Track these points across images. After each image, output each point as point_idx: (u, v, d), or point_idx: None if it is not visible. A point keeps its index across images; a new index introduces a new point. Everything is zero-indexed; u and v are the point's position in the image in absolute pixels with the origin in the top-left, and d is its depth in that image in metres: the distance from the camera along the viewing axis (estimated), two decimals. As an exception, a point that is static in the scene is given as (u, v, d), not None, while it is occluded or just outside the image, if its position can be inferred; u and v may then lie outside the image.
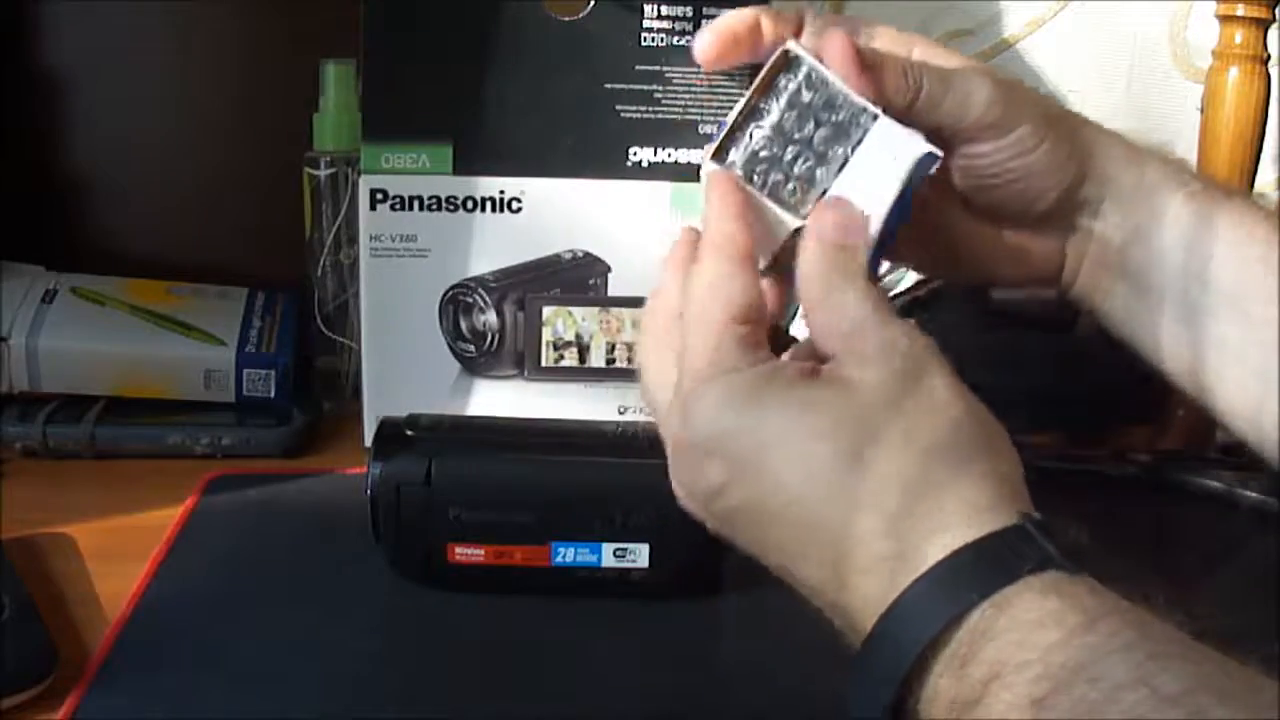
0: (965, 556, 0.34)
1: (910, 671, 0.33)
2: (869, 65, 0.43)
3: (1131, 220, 0.47)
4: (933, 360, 0.38)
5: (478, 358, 0.69)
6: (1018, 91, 0.45)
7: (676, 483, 0.40)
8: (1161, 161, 0.48)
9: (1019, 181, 0.46)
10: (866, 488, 0.35)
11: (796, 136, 0.42)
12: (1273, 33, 0.70)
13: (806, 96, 0.42)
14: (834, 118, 0.42)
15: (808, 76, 0.42)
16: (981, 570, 0.33)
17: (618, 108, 0.67)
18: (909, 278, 0.72)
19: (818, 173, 0.42)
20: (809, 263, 0.40)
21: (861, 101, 0.42)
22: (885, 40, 0.46)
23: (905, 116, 0.43)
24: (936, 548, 0.34)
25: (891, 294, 0.69)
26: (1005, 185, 0.46)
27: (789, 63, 0.42)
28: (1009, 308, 0.72)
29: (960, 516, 0.34)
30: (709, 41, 0.45)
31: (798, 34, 0.45)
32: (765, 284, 0.42)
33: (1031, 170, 0.45)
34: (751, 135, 0.42)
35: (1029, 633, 0.32)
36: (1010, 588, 0.33)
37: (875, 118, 0.42)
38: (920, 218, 0.45)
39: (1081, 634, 0.31)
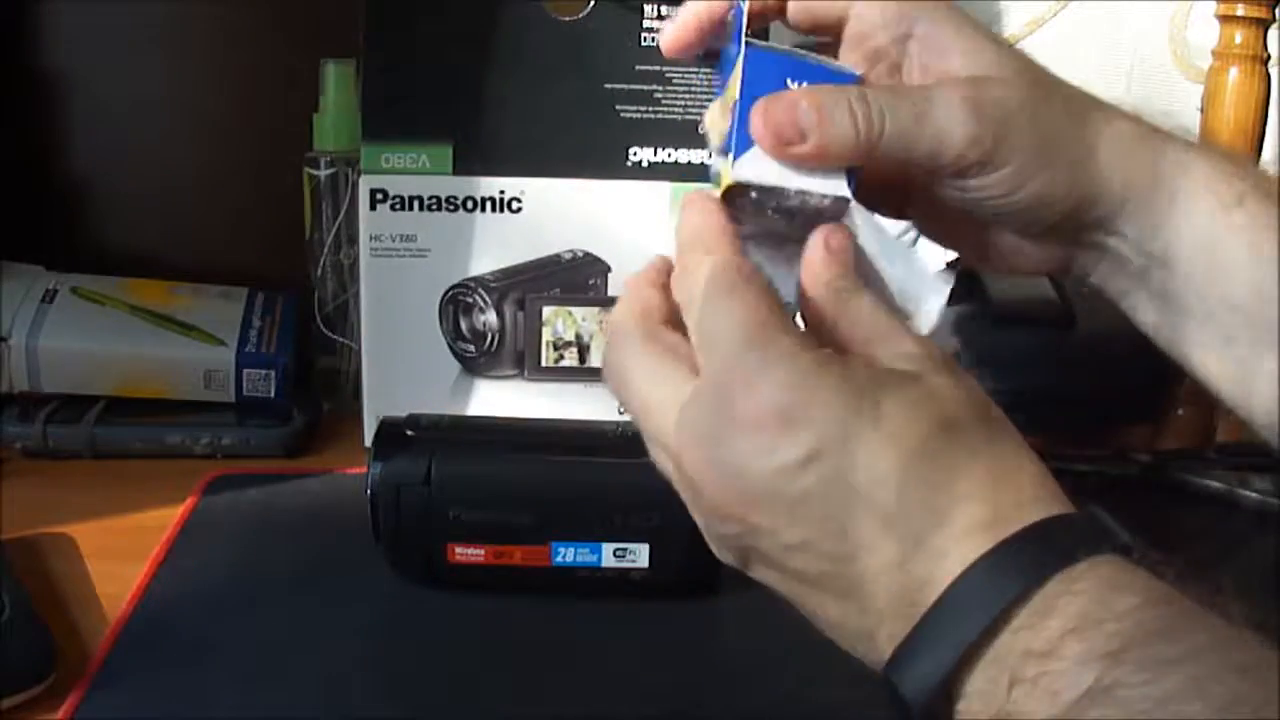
0: (1055, 526, 0.34)
1: (994, 621, 0.33)
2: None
3: (1152, 243, 0.43)
4: (954, 379, 0.37)
5: (478, 358, 0.69)
6: (1010, 120, 0.40)
7: (725, 472, 0.36)
8: (1205, 169, 0.42)
9: (1007, 212, 0.42)
10: (956, 463, 0.35)
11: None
12: (1273, 33, 0.70)
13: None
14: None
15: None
16: (1072, 536, 0.34)
17: (618, 108, 0.67)
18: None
19: None
20: (814, 278, 0.38)
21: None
22: (873, 15, 0.42)
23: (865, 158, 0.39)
24: (1028, 515, 0.34)
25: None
26: (994, 211, 0.42)
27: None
28: (1009, 308, 0.73)
29: (1042, 492, 0.35)
30: (669, 33, 0.44)
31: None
32: None
33: (1021, 205, 0.41)
34: None
35: (1111, 593, 0.32)
36: (1097, 556, 0.33)
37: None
38: (919, 198, 0.44)
39: (1159, 604, 0.32)
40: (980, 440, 0.35)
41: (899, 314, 0.40)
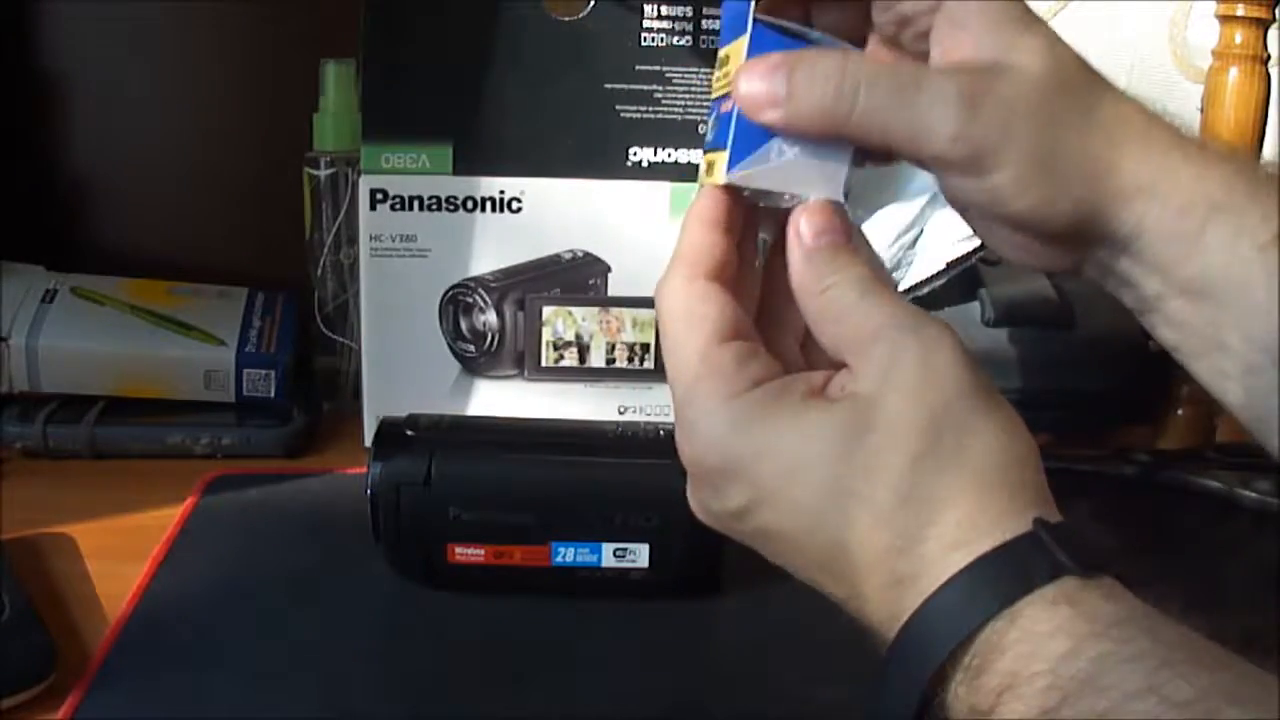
0: (977, 571, 0.33)
1: (930, 684, 0.33)
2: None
3: (1172, 275, 0.39)
4: (942, 361, 0.36)
5: (478, 358, 0.69)
6: (1014, 124, 0.37)
7: (694, 500, 0.39)
8: (1240, 203, 0.38)
9: (998, 216, 0.39)
10: (880, 509, 0.35)
11: None
12: (1273, 33, 0.70)
13: None
14: None
15: None
16: (992, 584, 0.33)
17: (618, 108, 0.67)
18: (909, 277, 0.72)
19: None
20: (797, 268, 0.38)
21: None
22: None
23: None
24: (952, 563, 0.34)
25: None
26: (985, 212, 0.39)
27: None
28: (1009, 308, 0.73)
29: (974, 530, 0.34)
30: None
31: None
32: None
33: (1014, 214, 0.38)
34: None
35: (1039, 644, 0.32)
36: (1022, 600, 0.33)
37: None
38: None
39: (1093, 643, 0.31)
40: (903, 484, 0.35)
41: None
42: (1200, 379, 0.42)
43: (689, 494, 0.39)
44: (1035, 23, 0.39)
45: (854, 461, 0.35)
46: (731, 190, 0.39)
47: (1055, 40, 0.39)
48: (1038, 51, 0.38)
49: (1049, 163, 0.37)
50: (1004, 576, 0.33)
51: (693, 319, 0.38)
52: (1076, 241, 0.39)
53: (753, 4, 0.39)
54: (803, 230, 0.38)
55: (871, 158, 0.39)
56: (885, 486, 0.35)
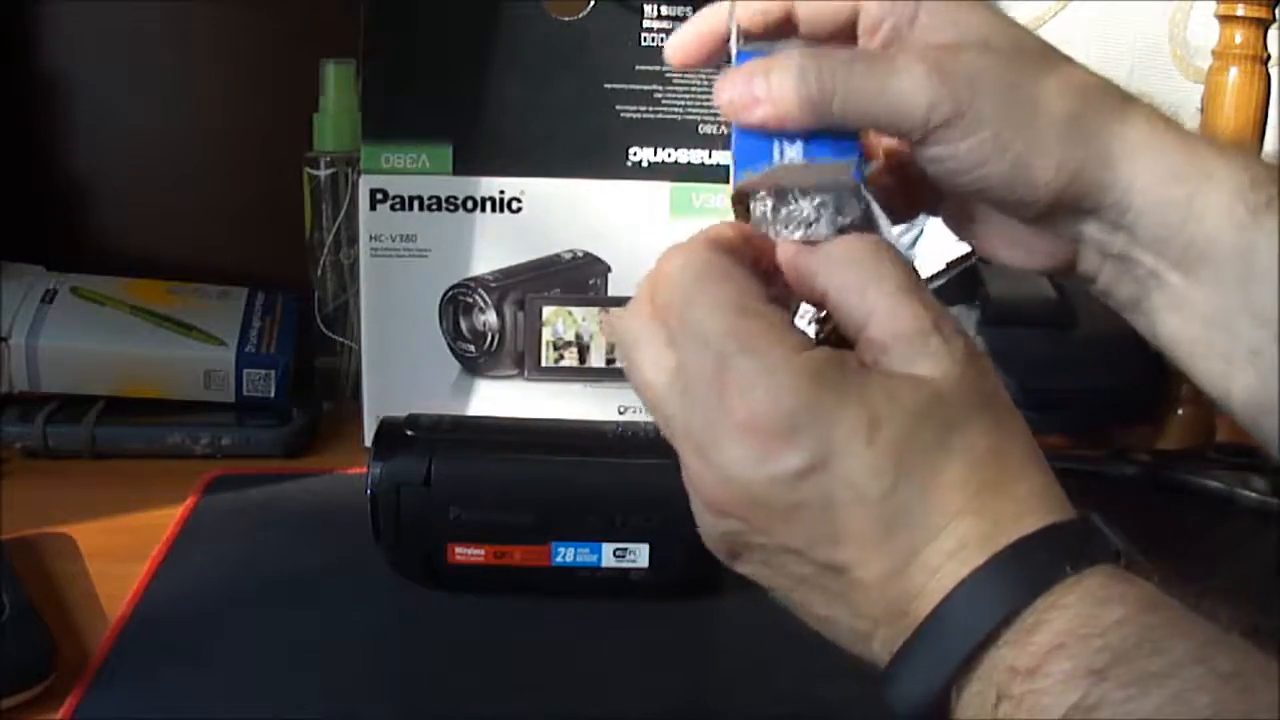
0: (1047, 538, 0.34)
1: (984, 639, 0.33)
2: None
3: (1167, 246, 0.40)
4: (981, 359, 0.37)
5: (478, 358, 0.69)
6: (981, 84, 0.38)
7: (723, 475, 0.35)
8: (1232, 170, 0.39)
9: (988, 190, 0.40)
10: (953, 475, 0.34)
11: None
12: (1273, 33, 0.70)
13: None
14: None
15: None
16: (1063, 549, 0.34)
17: (618, 108, 0.67)
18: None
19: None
20: (842, 255, 0.37)
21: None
22: (877, 5, 0.41)
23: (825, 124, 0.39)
24: (1021, 527, 0.34)
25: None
26: (975, 185, 0.40)
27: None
28: (1009, 308, 0.73)
29: (1039, 503, 0.35)
30: (673, 45, 0.44)
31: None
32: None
33: (1001, 178, 0.39)
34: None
35: (1097, 608, 0.32)
36: (1090, 568, 0.33)
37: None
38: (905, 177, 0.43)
39: (1144, 615, 0.32)
40: (982, 448, 0.35)
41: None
42: (1201, 380, 0.42)
43: (715, 479, 0.36)
44: (1004, 19, 0.41)
45: (926, 429, 0.34)
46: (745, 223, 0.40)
47: (1021, 30, 0.41)
48: (1004, 34, 0.40)
49: (1026, 120, 0.38)
50: (1070, 547, 0.34)
51: (726, 275, 0.36)
52: (1066, 216, 0.40)
53: (735, 31, 0.40)
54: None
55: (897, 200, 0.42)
56: (959, 456, 0.35)
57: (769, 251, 0.39)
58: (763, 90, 0.38)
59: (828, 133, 0.39)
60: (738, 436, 0.35)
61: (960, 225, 0.45)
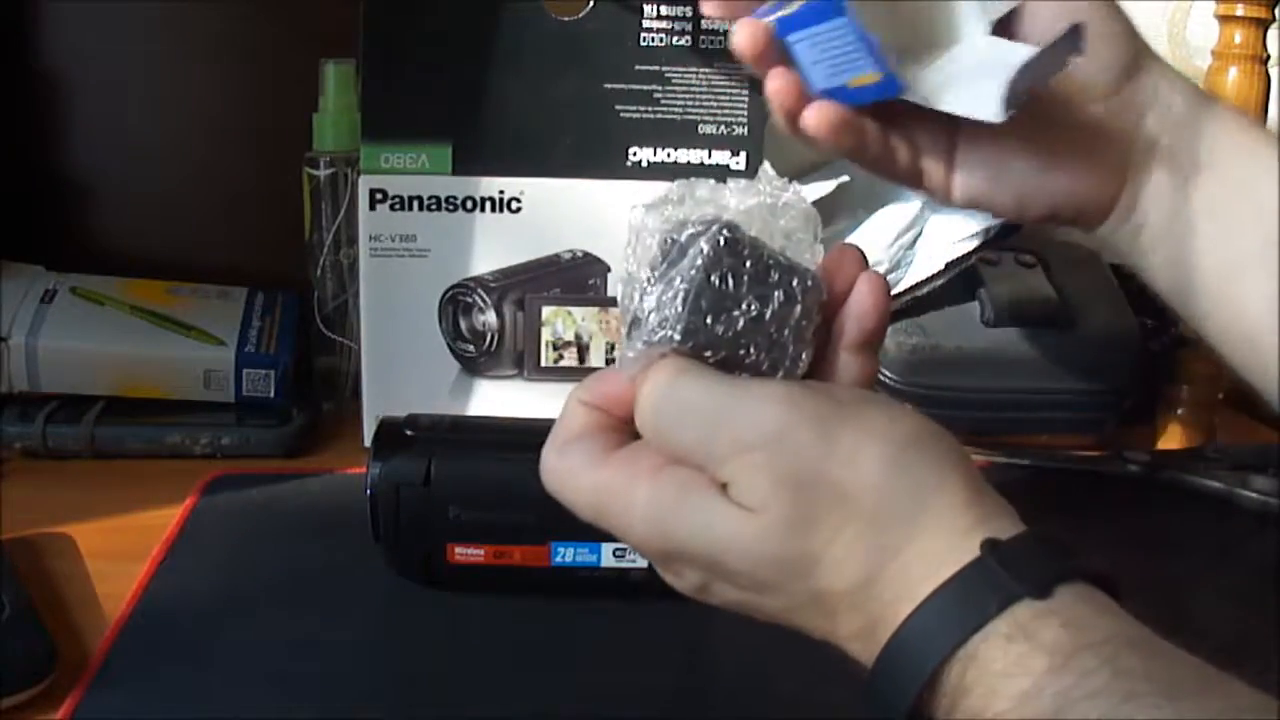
0: (928, 613, 0.33)
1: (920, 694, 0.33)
2: None
3: (1196, 139, 0.46)
4: (834, 418, 0.36)
5: (478, 358, 0.69)
6: None
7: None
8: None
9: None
10: (825, 579, 0.35)
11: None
12: (1273, 33, 0.70)
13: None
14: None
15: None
16: (946, 624, 0.33)
17: (618, 108, 0.67)
18: (909, 277, 0.72)
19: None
20: (644, 412, 0.38)
21: None
22: None
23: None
24: (903, 609, 0.34)
25: (892, 293, 0.69)
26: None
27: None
28: (1009, 308, 0.73)
29: (923, 568, 0.34)
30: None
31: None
32: None
33: (1088, 16, 0.44)
34: None
35: (998, 683, 0.32)
36: (975, 638, 0.32)
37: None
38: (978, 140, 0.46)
39: (1053, 679, 0.31)
40: (845, 492, 0.35)
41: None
42: (1213, 309, 0.47)
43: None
44: None
45: (768, 554, 0.36)
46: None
47: None
48: None
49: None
50: (954, 615, 0.33)
51: (563, 475, 0.40)
52: (1135, 78, 0.46)
53: None
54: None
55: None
56: (824, 558, 0.35)
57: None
58: None
59: None
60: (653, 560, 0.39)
61: (1004, 161, 0.47)
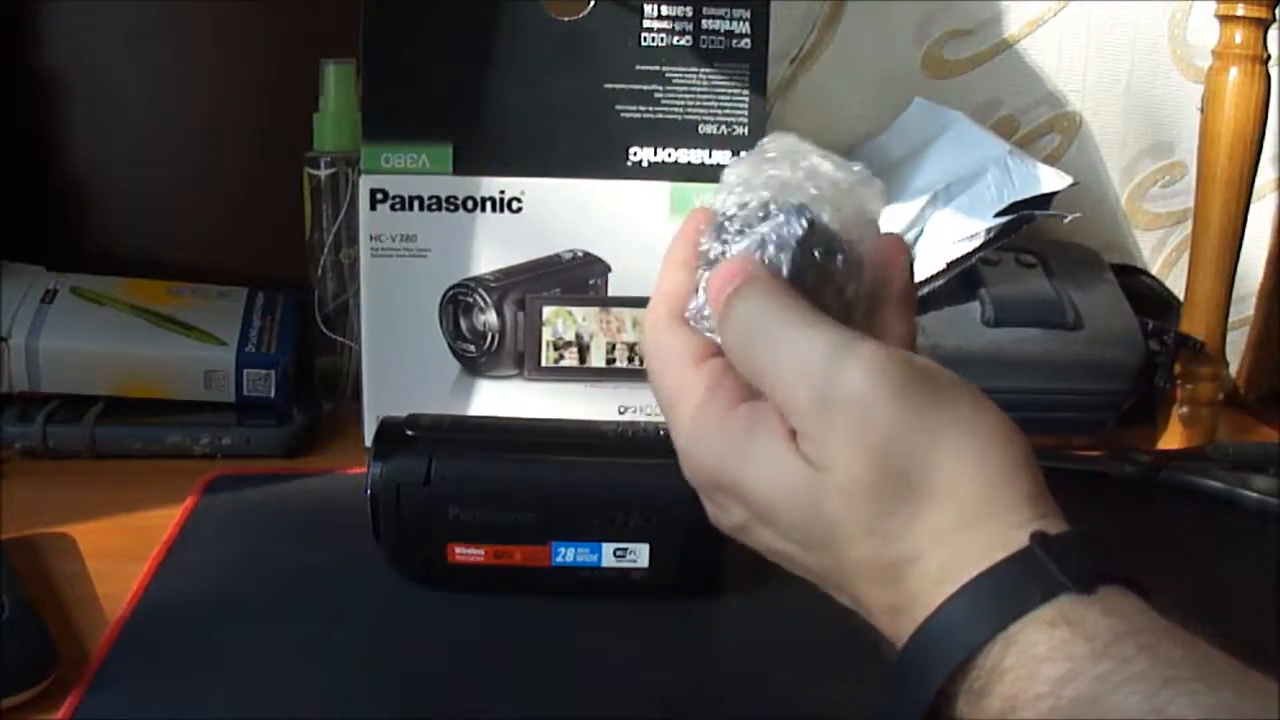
0: (972, 595, 0.33)
1: (934, 704, 0.33)
2: None
3: None
4: (922, 397, 0.36)
5: (478, 358, 0.69)
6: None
7: (709, 512, 0.41)
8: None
9: None
10: (874, 550, 0.35)
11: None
12: (1273, 33, 0.70)
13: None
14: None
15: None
16: (988, 607, 0.33)
17: (618, 108, 0.67)
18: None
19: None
20: (736, 327, 0.38)
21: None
22: None
23: None
24: (945, 589, 0.34)
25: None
26: None
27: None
28: (1009, 308, 0.73)
29: (975, 555, 0.34)
30: None
31: None
32: None
33: None
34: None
35: (1037, 667, 0.32)
36: (1017, 623, 0.33)
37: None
38: None
39: (1092, 664, 0.31)
40: (890, 523, 0.35)
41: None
42: None
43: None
44: None
45: (823, 513, 0.36)
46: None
47: None
48: None
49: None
50: (998, 599, 0.33)
51: (661, 349, 0.41)
52: None
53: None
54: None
55: None
56: (859, 530, 0.35)
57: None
58: None
59: None
60: (699, 491, 0.41)
61: None
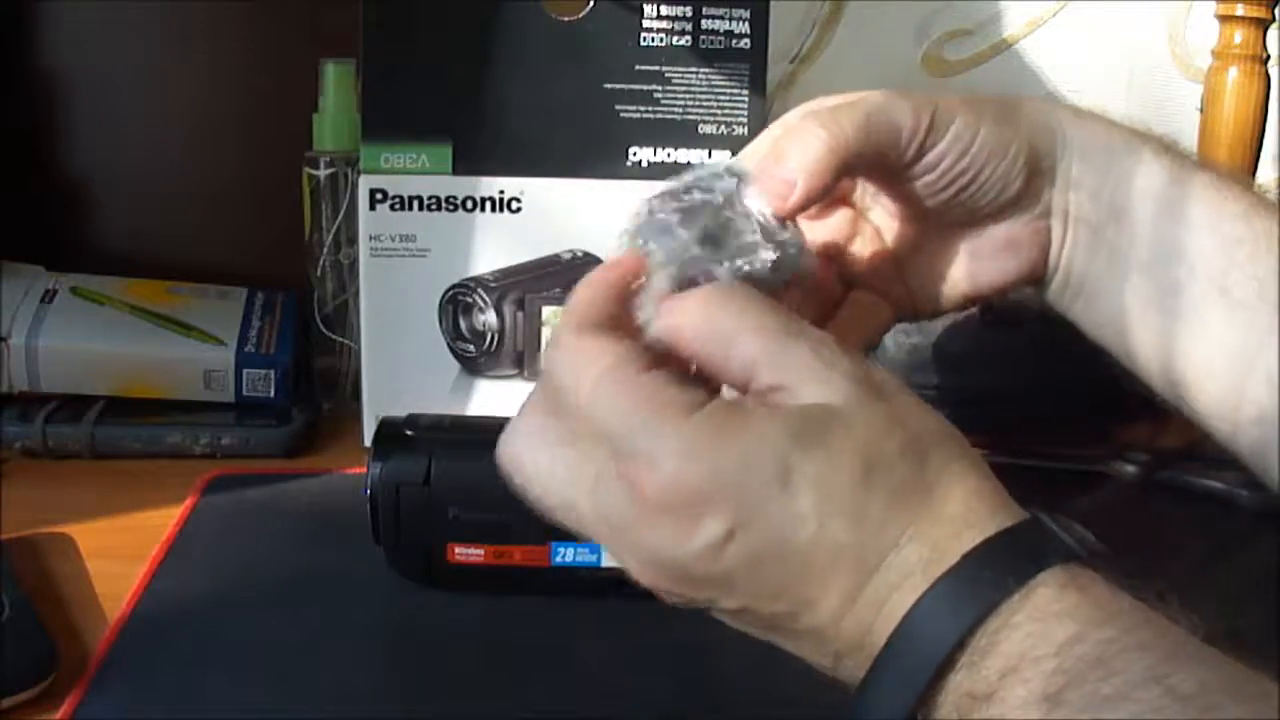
0: (987, 555, 0.33)
1: (939, 667, 0.33)
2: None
3: (1105, 189, 0.47)
4: (876, 370, 0.36)
5: (478, 358, 0.69)
6: (931, 96, 0.45)
7: (647, 559, 0.35)
8: (1111, 121, 0.48)
9: (978, 176, 0.46)
10: (878, 506, 0.34)
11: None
12: (1272, 33, 0.70)
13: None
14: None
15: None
16: (1006, 563, 0.33)
17: (618, 108, 0.67)
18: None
19: None
20: (696, 317, 0.37)
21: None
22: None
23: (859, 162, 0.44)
24: (961, 545, 0.33)
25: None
26: (969, 185, 0.46)
27: None
28: (1007, 307, 0.73)
29: (974, 515, 0.34)
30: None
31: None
32: None
33: (982, 160, 0.45)
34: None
35: (1048, 625, 0.32)
36: (1036, 578, 0.33)
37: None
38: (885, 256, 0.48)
39: (1098, 629, 0.31)
40: (902, 472, 0.34)
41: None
42: (1124, 343, 0.50)
43: (633, 556, 0.36)
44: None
45: (846, 460, 0.34)
46: None
47: None
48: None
49: (978, 106, 0.46)
50: (1014, 558, 0.33)
51: (600, 353, 0.36)
52: (1035, 184, 0.47)
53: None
54: None
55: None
56: (882, 481, 0.34)
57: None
58: (791, 172, 0.42)
59: None
60: (654, 519, 0.34)
61: (944, 268, 0.49)
